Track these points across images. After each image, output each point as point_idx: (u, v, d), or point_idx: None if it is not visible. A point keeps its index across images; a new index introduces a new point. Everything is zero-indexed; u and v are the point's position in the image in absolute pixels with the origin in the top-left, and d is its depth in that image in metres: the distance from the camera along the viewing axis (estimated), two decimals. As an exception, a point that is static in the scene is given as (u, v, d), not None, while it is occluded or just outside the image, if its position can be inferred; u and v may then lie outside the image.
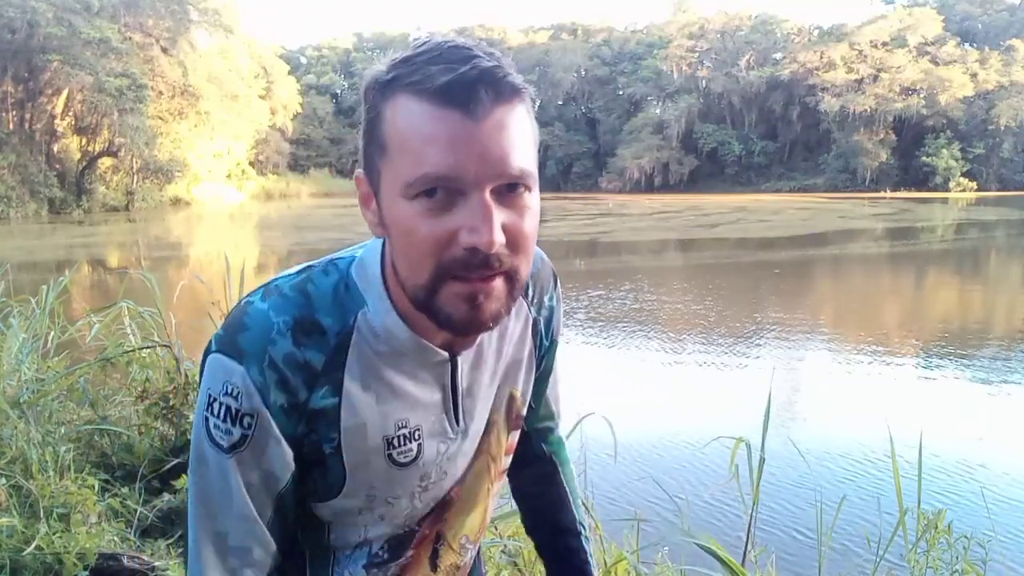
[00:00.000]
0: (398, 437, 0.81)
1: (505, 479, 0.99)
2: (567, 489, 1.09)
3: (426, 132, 0.66)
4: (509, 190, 0.68)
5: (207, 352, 0.77)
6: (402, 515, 0.86)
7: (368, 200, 0.75)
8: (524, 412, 0.95)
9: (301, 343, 0.74)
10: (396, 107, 0.68)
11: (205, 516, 0.78)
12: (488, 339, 0.85)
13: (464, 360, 0.82)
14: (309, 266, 0.81)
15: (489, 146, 0.66)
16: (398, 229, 0.71)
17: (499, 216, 0.67)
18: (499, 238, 0.67)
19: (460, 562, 0.94)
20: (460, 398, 0.84)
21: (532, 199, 0.71)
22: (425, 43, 0.70)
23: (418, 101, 0.67)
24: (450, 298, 0.70)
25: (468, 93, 0.66)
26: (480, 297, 0.69)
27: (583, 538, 1.08)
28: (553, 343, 0.98)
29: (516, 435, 0.96)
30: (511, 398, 0.92)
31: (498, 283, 0.70)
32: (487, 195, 0.67)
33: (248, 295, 0.79)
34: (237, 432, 0.74)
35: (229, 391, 0.74)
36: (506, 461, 0.96)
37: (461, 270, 0.68)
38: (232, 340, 0.75)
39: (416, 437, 0.82)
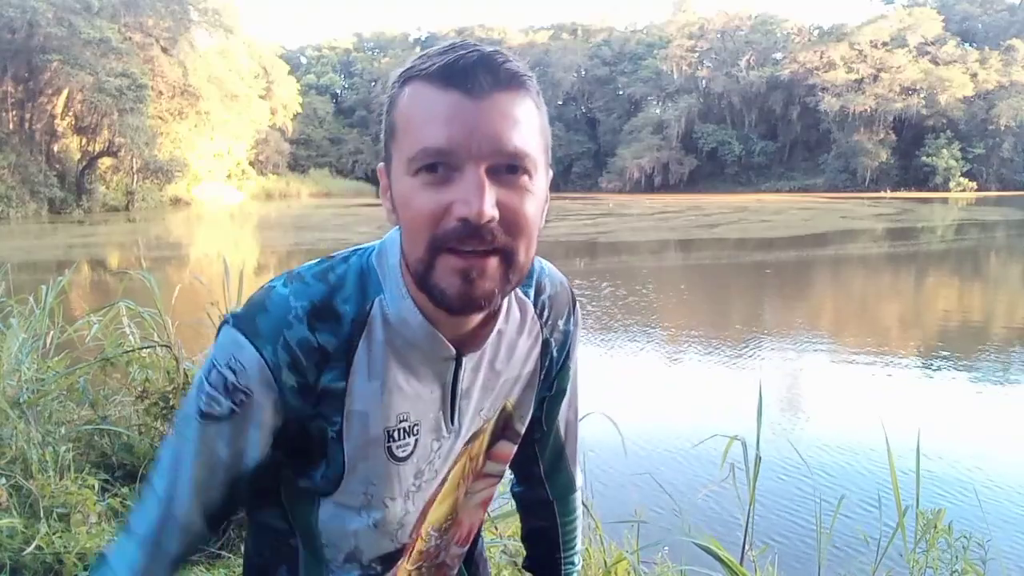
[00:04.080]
0: (398, 430, 0.83)
1: (490, 484, 0.99)
2: (560, 547, 1.11)
3: (429, 111, 0.70)
4: (508, 171, 0.71)
5: (223, 323, 0.79)
6: (395, 522, 0.87)
7: (386, 190, 0.78)
8: (520, 427, 0.96)
9: (316, 328, 0.77)
10: (406, 94, 0.73)
11: (167, 468, 0.80)
12: (494, 348, 0.87)
13: (468, 361, 0.84)
14: (332, 256, 0.84)
15: (485, 124, 0.69)
16: (402, 204, 0.73)
17: (494, 192, 0.69)
18: (490, 211, 0.68)
19: (424, 548, 0.96)
20: (458, 398, 0.86)
21: (534, 184, 0.73)
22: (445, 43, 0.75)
23: (424, 85, 0.71)
24: (445, 272, 0.71)
25: (467, 74, 0.69)
26: (473, 273, 0.71)
27: None
28: (566, 366, 0.99)
29: (513, 447, 0.97)
30: (503, 409, 0.93)
31: (492, 261, 0.71)
32: (482, 171, 0.69)
33: (272, 280, 0.81)
34: (226, 405, 0.77)
35: (232, 365, 0.76)
36: (495, 468, 0.97)
37: (454, 242, 0.70)
38: (251, 320, 0.77)
39: (415, 432, 0.84)
